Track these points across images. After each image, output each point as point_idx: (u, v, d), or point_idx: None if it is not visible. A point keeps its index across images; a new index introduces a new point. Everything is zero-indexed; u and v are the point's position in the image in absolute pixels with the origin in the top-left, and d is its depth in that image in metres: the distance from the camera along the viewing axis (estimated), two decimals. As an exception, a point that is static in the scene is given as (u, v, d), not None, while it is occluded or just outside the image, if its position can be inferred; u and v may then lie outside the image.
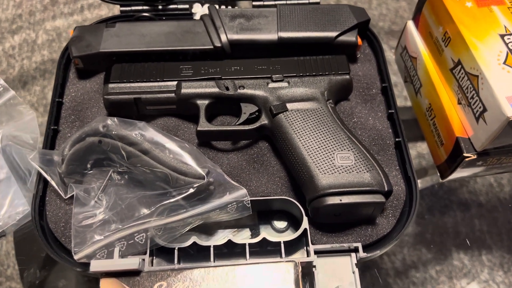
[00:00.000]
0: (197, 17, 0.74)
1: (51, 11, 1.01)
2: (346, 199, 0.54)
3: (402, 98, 0.82)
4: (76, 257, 0.52)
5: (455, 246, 0.71)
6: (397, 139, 0.65)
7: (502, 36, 0.58)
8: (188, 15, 0.76)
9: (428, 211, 0.74)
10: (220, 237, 0.59)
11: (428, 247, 0.71)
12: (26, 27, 0.98)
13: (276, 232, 0.61)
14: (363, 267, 0.69)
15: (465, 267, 0.69)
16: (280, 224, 0.61)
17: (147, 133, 0.57)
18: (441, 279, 0.69)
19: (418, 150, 0.79)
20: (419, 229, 0.73)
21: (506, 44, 0.57)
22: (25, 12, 1.01)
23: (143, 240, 0.54)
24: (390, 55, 0.85)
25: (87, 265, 0.52)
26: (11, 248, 0.68)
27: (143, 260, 0.53)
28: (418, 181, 0.75)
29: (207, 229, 0.60)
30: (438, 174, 0.68)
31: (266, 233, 0.56)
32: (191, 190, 0.54)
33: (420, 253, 0.71)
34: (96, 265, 0.52)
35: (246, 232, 0.61)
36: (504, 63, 0.56)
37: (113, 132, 0.57)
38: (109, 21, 0.74)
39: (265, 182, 0.62)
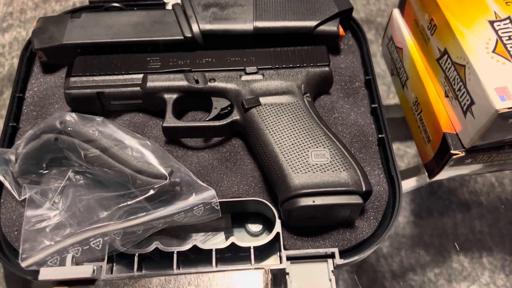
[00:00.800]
0: (169, 7, 0.71)
1: (42, 9, 1.01)
2: (319, 200, 0.50)
3: (394, 94, 0.80)
4: (23, 264, 0.48)
5: (454, 248, 0.70)
6: (380, 136, 0.61)
7: (491, 22, 0.54)
8: (161, 5, 0.72)
9: (426, 212, 0.73)
10: (188, 242, 0.56)
11: (426, 249, 0.70)
12: (17, 25, 0.98)
13: (251, 236, 0.57)
14: (359, 269, 0.68)
15: (465, 270, 0.68)
16: (255, 227, 0.58)
17: (106, 130, 0.54)
18: (440, 282, 0.67)
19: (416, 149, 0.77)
20: (417, 230, 0.72)
21: (496, 31, 0.53)
22: (16, 10, 1.01)
23: (100, 245, 0.50)
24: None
25: (37, 273, 0.48)
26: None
27: (100, 267, 0.50)
28: (414, 178, 0.72)
29: (176, 233, 0.57)
30: (426, 173, 0.63)
31: (239, 237, 0.53)
32: (151, 191, 0.50)
33: (418, 255, 0.69)
34: (46, 274, 0.48)
35: (220, 236, 0.58)
36: (493, 51, 0.52)
37: (69, 129, 0.53)
38: (75, 12, 0.70)
39: (237, 182, 0.58)
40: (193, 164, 0.59)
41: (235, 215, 0.58)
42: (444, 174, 0.61)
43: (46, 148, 0.54)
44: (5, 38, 0.95)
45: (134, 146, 0.53)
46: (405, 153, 0.81)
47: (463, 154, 0.56)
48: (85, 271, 0.48)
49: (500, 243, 0.70)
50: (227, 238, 0.57)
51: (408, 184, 0.72)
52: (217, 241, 0.57)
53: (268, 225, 0.57)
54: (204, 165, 0.59)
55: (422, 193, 0.75)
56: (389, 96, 0.87)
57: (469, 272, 0.68)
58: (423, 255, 0.69)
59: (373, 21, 0.96)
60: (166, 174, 0.51)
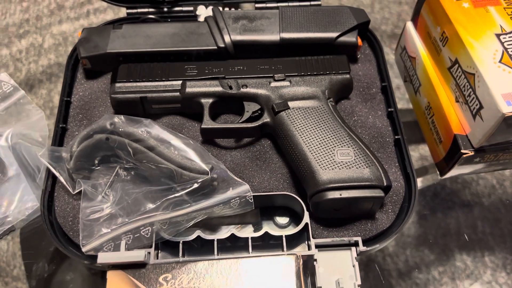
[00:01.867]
0: (201, 19, 0.76)
1: (57, 16, 1.03)
2: (346, 194, 0.55)
3: (405, 101, 0.83)
4: (84, 249, 0.54)
5: (457, 247, 0.71)
6: (396, 137, 0.66)
7: (498, 35, 0.60)
8: (193, 17, 0.78)
9: (430, 213, 0.75)
10: (224, 232, 0.61)
11: (430, 248, 0.71)
12: (33, 31, 1.00)
13: (279, 227, 0.62)
14: (366, 267, 0.69)
15: (468, 268, 0.70)
16: (282, 220, 0.62)
17: (153, 130, 0.59)
18: (444, 280, 0.69)
19: (421, 152, 0.80)
20: (421, 230, 0.73)
21: (502, 43, 0.59)
22: (32, 17, 1.02)
23: (149, 233, 0.55)
24: (392, 57, 0.86)
25: (94, 257, 0.54)
26: (18, 249, 0.69)
27: (149, 253, 0.55)
28: (419, 179, 0.75)
29: (211, 225, 0.62)
30: (437, 171, 0.69)
31: (269, 228, 0.57)
32: (195, 185, 0.56)
33: (422, 254, 0.71)
34: (103, 258, 0.53)
35: (249, 228, 0.63)
36: (500, 61, 0.57)
37: (120, 129, 0.58)
38: (116, 23, 0.75)
39: (267, 179, 0.63)
40: (227, 162, 0.64)
41: (263, 208, 0.63)
42: (454, 172, 0.66)
43: (98, 147, 0.59)
44: (22, 44, 0.97)
45: (178, 145, 0.59)
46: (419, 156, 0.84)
47: (472, 153, 0.61)
48: (138, 255, 0.53)
49: (501, 242, 0.72)
50: (256, 230, 0.62)
51: (421, 184, 0.76)
52: (248, 232, 0.61)
53: (295, 218, 0.62)
54: (237, 163, 0.64)
55: (427, 194, 0.76)
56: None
57: (472, 271, 0.69)
58: (427, 254, 0.71)
59: (378, 29, 0.97)
60: (208, 170, 0.57)
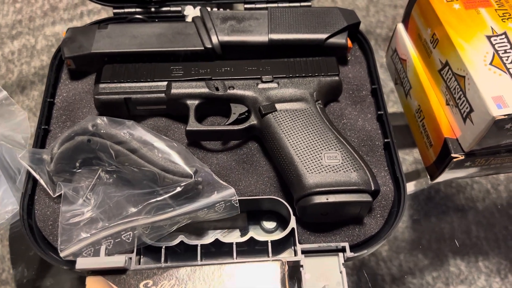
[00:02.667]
0: (189, 19, 0.75)
1: (50, 17, 1.02)
2: (332, 198, 0.54)
3: (399, 104, 0.83)
4: (62, 254, 0.52)
5: (451, 252, 0.71)
6: (385, 140, 0.65)
7: (488, 37, 0.59)
8: (180, 17, 0.77)
9: (424, 217, 0.74)
10: (209, 237, 0.60)
11: (424, 253, 0.71)
12: (26, 32, 0.99)
13: (265, 232, 0.61)
14: (358, 272, 0.69)
15: (462, 273, 0.70)
16: (269, 225, 0.61)
17: (136, 132, 0.58)
18: (438, 285, 0.69)
19: (415, 156, 0.79)
20: (415, 234, 0.73)
21: (493, 45, 0.58)
22: (25, 18, 1.02)
23: (130, 238, 0.54)
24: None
25: (73, 263, 0.52)
26: (7, 252, 0.68)
27: (130, 258, 0.53)
28: (412, 183, 0.74)
29: (196, 229, 0.60)
30: (428, 176, 0.68)
31: (254, 233, 0.56)
32: (179, 189, 0.55)
33: (416, 259, 0.71)
34: (82, 263, 0.52)
35: (236, 233, 0.62)
36: (490, 64, 0.56)
37: (102, 131, 0.57)
38: (102, 23, 0.74)
39: (254, 182, 0.62)
40: (213, 165, 0.63)
41: (250, 213, 0.61)
42: (445, 176, 0.65)
43: (79, 149, 0.58)
44: (14, 45, 0.97)
45: (162, 148, 0.57)
46: (403, 160, 0.83)
47: (463, 157, 0.60)
48: (118, 261, 0.52)
49: (495, 247, 0.72)
50: (242, 235, 0.61)
51: (408, 188, 0.75)
52: (234, 237, 0.60)
53: (282, 223, 0.61)
54: (223, 166, 0.63)
55: (420, 199, 0.76)
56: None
57: (466, 276, 0.69)
58: (421, 258, 0.70)
59: (373, 32, 0.98)
60: (192, 173, 0.55)
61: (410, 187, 0.76)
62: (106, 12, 1.02)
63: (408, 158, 0.80)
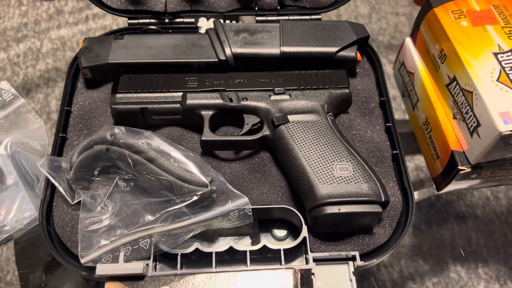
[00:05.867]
0: (202, 30, 0.77)
1: (56, 21, 1.03)
2: (344, 209, 0.55)
3: (401, 111, 0.84)
4: (82, 260, 0.54)
5: (452, 259, 0.72)
6: (394, 152, 0.66)
7: (495, 54, 0.60)
8: (194, 29, 0.78)
9: (425, 223, 0.75)
10: (222, 244, 0.61)
11: (425, 259, 0.72)
12: (31, 35, 1.00)
13: (276, 240, 0.62)
14: (361, 277, 0.69)
15: (462, 279, 0.70)
16: (280, 233, 0.62)
17: (153, 142, 0.59)
18: None
19: (416, 163, 0.80)
20: (416, 241, 0.74)
21: (500, 62, 0.60)
22: (30, 21, 1.03)
23: (147, 245, 0.56)
24: (389, 69, 0.87)
25: (92, 269, 0.54)
26: (11, 254, 0.69)
27: (147, 265, 0.55)
28: (415, 192, 0.76)
29: (209, 236, 0.62)
30: (434, 186, 0.69)
31: (267, 241, 0.58)
32: (195, 198, 0.56)
33: (417, 265, 0.71)
34: (102, 269, 0.53)
35: (247, 240, 0.63)
36: (497, 80, 0.58)
37: (120, 141, 0.58)
38: (118, 33, 0.76)
39: (266, 191, 0.63)
40: (226, 174, 0.64)
41: (261, 221, 0.63)
42: (451, 187, 0.67)
43: (98, 157, 0.59)
44: (20, 48, 0.97)
45: (178, 157, 0.59)
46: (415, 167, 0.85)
47: (469, 169, 0.62)
48: (136, 267, 0.53)
49: (495, 254, 0.72)
50: (254, 242, 0.62)
51: (417, 196, 0.76)
52: (245, 244, 0.61)
53: (292, 231, 0.62)
54: (236, 175, 0.64)
55: (421, 205, 0.77)
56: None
57: (466, 282, 0.70)
58: (422, 265, 0.71)
59: (375, 40, 0.98)
60: (207, 183, 0.57)
61: (414, 195, 0.77)
62: (112, 17, 1.03)
63: (410, 165, 0.81)
